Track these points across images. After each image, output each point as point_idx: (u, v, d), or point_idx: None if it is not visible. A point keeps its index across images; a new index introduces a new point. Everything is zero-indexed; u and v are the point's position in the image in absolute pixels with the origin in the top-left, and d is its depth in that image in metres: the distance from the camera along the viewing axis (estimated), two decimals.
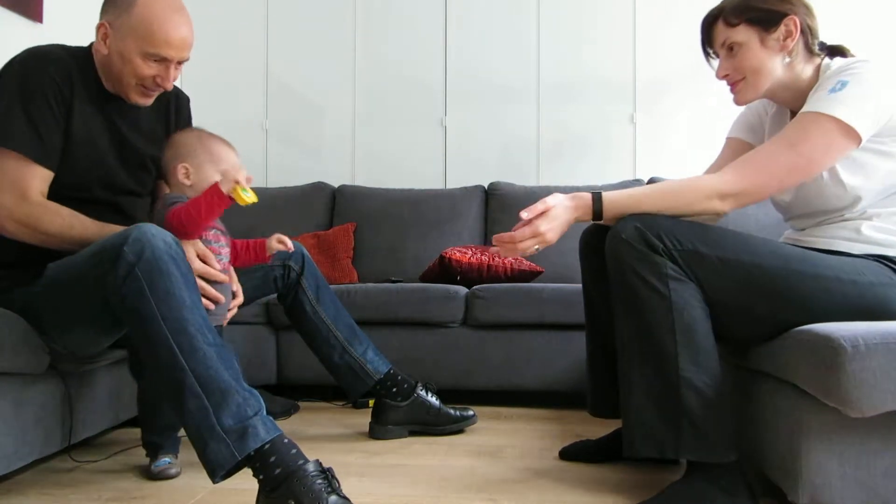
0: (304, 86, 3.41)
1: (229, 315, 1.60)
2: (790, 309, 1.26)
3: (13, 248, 1.45)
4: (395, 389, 1.90)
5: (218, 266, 1.51)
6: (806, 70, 1.41)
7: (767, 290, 1.27)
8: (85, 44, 1.57)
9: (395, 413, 1.89)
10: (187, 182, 1.51)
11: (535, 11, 3.27)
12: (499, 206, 3.02)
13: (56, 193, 1.46)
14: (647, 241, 1.28)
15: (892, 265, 1.30)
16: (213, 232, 1.55)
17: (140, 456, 1.62)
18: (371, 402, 1.96)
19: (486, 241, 3.00)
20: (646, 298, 1.28)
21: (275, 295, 1.93)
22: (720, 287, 1.28)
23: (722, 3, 1.44)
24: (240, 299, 1.63)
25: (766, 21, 1.38)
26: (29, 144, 1.42)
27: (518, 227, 1.35)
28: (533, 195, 2.91)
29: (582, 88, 3.23)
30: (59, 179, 1.47)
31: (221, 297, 1.52)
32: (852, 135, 1.27)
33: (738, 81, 1.43)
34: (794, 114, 1.47)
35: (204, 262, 1.49)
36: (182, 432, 1.41)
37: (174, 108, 1.72)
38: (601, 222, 1.39)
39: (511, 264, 2.49)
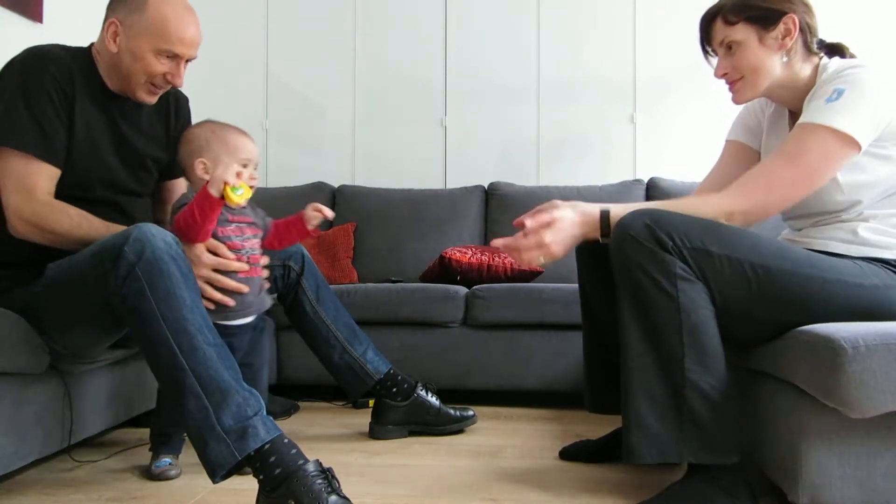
0: (304, 86, 3.41)
1: (268, 303, 1.62)
2: (793, 311, 1.25)
3: (13, 247, 1.45)
4: (395, 389, 1.89)
5: (230, 255, 1.50)
6: (804, 69, 1.41)
7: (772, 293, 1.25)
8: (85, 44, 1.57)
9: (395, 413, 1.89)
10: (207, 177, 1.48)
11: (535, 11, 3.27)
12: (499, 206, 3.02)
13: (57, 192, 1.46)
14: (657, 239, 1.24)
15: (893, 268, 1.30)
16: (232, 227, 1.54)
17: (140, 456, 1.62)
18: (371, 402, 1.96)
19: (486, 241, 3.00)
20: (653, 298, 1.24)
21: (275, 295, 1.93)
22: (726, 287, 1.26)
23: (721, 0, 1.43)
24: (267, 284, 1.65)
25: (765, 19, 1.37)
26: (34, 142, 1.42)
27: (520, 235, 1.33)
28: (533, 195, 2.95)
29: (582, 88, 3.23)
30: (60, 178, 1.47)
31: (244, 287, 1.51)
32: (852, 144, 1.27)
33: (736, 80, 1.43)
34: (792, 113, 1.47)
35: (215, 254, 1.48)
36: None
37: (174, 109, 1.73)
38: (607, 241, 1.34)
39: (511, 264, 2.49)
